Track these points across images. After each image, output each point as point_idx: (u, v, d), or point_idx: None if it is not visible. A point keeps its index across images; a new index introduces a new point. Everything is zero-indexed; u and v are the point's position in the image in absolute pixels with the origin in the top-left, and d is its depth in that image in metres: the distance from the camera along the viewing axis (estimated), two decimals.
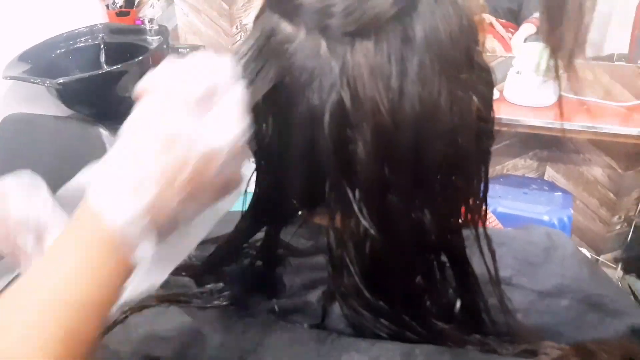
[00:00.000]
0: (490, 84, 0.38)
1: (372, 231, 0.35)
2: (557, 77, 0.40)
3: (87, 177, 0.37)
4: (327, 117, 0.34)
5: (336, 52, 0.33)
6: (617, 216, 2.00)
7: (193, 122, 0.32)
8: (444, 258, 0.39)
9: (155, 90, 0.34)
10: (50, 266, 0.31)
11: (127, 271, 0.32)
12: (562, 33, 0.38)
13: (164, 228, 0.33)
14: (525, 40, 1.97)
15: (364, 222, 0.35)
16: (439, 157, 0.35)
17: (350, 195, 0.35)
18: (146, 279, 0.36)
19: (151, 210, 0.31)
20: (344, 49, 0.33)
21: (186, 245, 0.37)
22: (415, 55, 0.33)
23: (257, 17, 0.38)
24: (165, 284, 0.46)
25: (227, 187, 0.35)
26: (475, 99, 0.36)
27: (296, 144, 0.36)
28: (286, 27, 0.35)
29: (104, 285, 0.31)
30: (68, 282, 0.30)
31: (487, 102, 0.38)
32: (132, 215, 0.31)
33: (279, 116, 0.36)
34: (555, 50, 0.39)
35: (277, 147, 0.38)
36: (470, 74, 0.36)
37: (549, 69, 1.69)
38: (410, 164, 0.35)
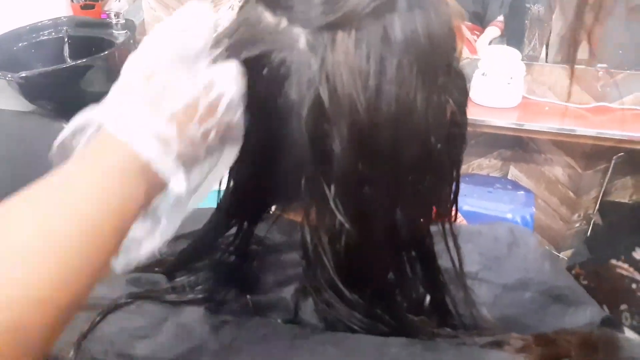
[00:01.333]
0: (464, 91, 0.39)
1: (346, 226, 0.36)
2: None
3: (85, 119, 0.37)
4: (304, 112, 0.34)
5: (315, 48, 0.34)
6: (576, 214, 2.07)
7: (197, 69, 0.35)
8: (414, 254, 0.40)
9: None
10: (73, 193, 0.31)
11: (150, 199, 0.34)
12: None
13: (187, 163, 0.34)
14: (490, 43, 2.02)
15: (340, 217, 0.36)
16: (412, 157, 0.36)
17: (327, 190, 0.36)
18: (164, 229, 0.36)
19: (179, 143, 0.33)
20: (323, 44, 0.34)
21: (197, 194, 0.38)
22: (394, 56, 0.34)
23: (241, 7, 0.38)
24: (137, 281, 0.46)
25: (229, 134, 0.37)
26: (451, 104, 0.38)
27: (273, 138, 0.36)
28: (268, 17, 0.35)
29: (126, 212, 0.32)
30: (94, 207, 0.30)
31: (462, 108, 0.39)
32: (165, 144, 0.32)
33: (257, 110, 0.37)
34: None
35: (254, 140, 0.38)
36: (447, 79, 0.37)
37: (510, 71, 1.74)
38: (384, 161, 0.36)
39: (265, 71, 0.35)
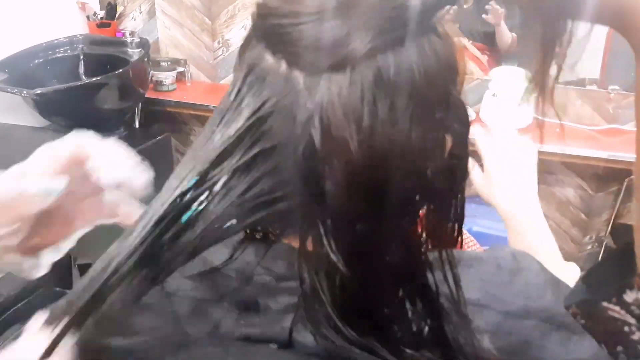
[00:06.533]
0: (465, 122, 0.39)
1: (340, 265, 0.35)
2: (543, 100, 0.40)
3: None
4: (299, 152, 0.34)
5: (312, 90, 0.34)
6: (588, 236, 2.04)
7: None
8: (413, 287, 0.40)
9: None
10: None
11: None
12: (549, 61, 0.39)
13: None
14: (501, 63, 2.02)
15: (332, 256, 0.35)
16: (408, 193, 0.36)
17: (321, 228, 0.35)
18: None
19: None
20: (319, 86, 0.34)
21: None
22: (387, 97, 0.34)
23: (243, 46, 0.38)
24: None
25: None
26: (449, 138, 0.37)
27: (270, 175, 0.36)
28: (269, 59, 0.35)
29: None
30: None
31: (462, 141, 0.38)
32: None
33: (257, 145, 0.37)
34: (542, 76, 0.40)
35: (253, 174, 0.38)
36: (446, 114, 0.37)
37: (529, 93, 1.74)
38: (379, 199, 0.35)
39: (263, 110, 0.35)
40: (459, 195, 0.40)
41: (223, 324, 0.43)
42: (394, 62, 0.34)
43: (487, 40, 2.09)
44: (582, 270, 2.10)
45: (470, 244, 1.07)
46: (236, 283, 0.43)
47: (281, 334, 0.41)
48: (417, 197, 0.37)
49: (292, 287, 0.42)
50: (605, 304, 0.34)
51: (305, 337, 0.40)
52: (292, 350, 0.40)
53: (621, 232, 1.89)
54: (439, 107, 0.36)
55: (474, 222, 1.80)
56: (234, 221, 0.36)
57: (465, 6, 2.12)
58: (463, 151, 0.39)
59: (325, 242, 0.35)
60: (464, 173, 0.40)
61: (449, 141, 0.37)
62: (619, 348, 0.34)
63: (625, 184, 1.87)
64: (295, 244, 0.42)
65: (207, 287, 0.45)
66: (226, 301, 0.43)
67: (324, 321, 0.37)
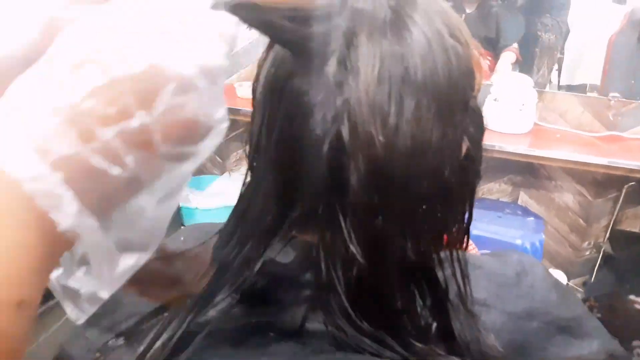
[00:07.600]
0: (481, 128, 0.41)
1: (358, 257, 0.37)
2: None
3: None
4: (326, 147, 0.35)
5: (341, 86, 0.35)
6: (586, 242, 2.06)
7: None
8: (424, 282, 0.41)
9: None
10: None
11: (52, 239, 0.22)
12: None
13: (103, 191, 0.23)
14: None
15: (352, 248, 0.37)
16: (426, 190, 0.37)
17: (342, 220, 0.37)
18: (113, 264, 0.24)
19: (64, 162, 0.21)
20: (347, 84, 0.35)
21: (154, 222, 0.26)
22: (413, 96, 0.36)
23: (269, 47, 0.40)
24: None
25: (192, 133, 0.24)
26: (466, 140, 0.39)
27: (293, 169, 0.37)
28: (296, 59, 0.37)
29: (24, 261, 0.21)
30: None
31: (477, 144, 0.40)
32: (38, 166, 0.21)
33: (280, 140, 0.38)
34: None
35: (275, 167, 0.39)
36: (464, 117, 0.39)
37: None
38: (399, 194, 0.37)
39: (290, 107, 0.37)
40: (470, 198, 0.42)
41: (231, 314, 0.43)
42: (420, 64, 0.36)
43: (489, 46, 2.11)
44: (580, 276, 2.11)
45: (469, 247, 1.08)
46: (245, 274, 0.44)
47: (291, 324, 0.41)
48: (434, 197, 0.38)
49: (302, 280, 0.42)
50: (632, 297, 0.35)
51: (316, 327, 0.41)
52: (301, 339, 0.41)
53: (619, 238, 1.90)
54: (458, 109, 0.38)
55: (473, 226, 1.79)
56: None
57: (467, 11, 2.14)
58: (477, 154, 0.41)
59: (345, 234, 0.37)
60: (477, 175, 0.42)
61: (465, 144, 0.39)
62: (636, 342, 0.36)
63: (624, 190, 1.88)
64: (308, 237, 0.43)
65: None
66: (234, 292, 0.44)
67: (337, 311, 0.38)
